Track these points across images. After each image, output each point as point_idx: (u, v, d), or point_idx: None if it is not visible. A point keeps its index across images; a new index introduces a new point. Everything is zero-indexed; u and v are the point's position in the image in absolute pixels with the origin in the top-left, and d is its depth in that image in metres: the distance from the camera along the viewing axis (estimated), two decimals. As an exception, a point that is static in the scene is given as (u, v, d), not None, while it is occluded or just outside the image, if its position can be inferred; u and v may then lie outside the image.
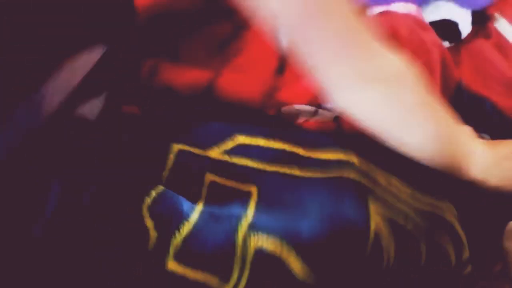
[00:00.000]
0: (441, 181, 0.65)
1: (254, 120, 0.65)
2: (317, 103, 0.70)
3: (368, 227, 0.55)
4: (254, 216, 0.57)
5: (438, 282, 0.58)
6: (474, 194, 0.67)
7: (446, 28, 0.79)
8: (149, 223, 0.56)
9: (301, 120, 0.69)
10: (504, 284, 0.65)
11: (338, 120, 0.68)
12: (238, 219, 0.56)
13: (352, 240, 0.55)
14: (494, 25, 0.73)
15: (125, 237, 0.57)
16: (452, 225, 0.60)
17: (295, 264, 0.54)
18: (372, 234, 0.55)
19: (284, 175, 0.60)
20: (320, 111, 0.70)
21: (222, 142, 0.62)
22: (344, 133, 0.67)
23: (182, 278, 0.55)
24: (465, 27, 0.78)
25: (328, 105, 0.70)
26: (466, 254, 0.61)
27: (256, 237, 0.55)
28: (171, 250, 0.55)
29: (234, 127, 0.63)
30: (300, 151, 0.61)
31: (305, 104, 0.70)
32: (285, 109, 0.70)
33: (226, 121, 0.64)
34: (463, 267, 0.61)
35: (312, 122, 0.68)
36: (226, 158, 0.61)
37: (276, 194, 0.59)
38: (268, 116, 0.69)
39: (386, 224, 0.56)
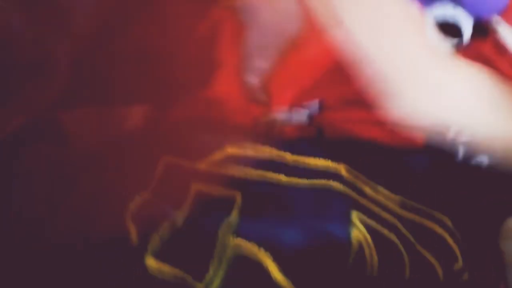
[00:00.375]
0: (434, 189, 0.64)
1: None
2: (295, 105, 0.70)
3: (350, 239, 0.54)
4: (237, 221, 0.57)
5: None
6: (470, 197, 0.66)
7: (449, 29, 0.77)
8: (132, 228, 0.57)
9: (278, 125, 0.69)
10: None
11: (319, 126, 0.67)
12: (221, 221, 0.56)
13: (334, 251, 0.54)
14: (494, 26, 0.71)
15: (107, 240, 0.58)
16: (442, 236, 0.59)
17: (275, 272, 0.54)
18: (355, 246, 0.54)
19: (270, 181, 0.59)
20: (295, 111, 0.69)
21: (211, 154, 0.62)
22: (326, 140, 0.66)
23: (158, 273, 0.55)
24: (467, 29, 0.76)
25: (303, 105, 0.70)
26: (458, 265, 0.59)
27: (236, 239, 0.55)
28: (150, 248, 0.56)
29: (223, 138, 0.63)
30: (287, 155, 0.61)
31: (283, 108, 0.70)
32: (262, 119, 0.70)
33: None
34: (456, 277, 0.59)
35: (292, 129, 0.67)
36: (213, 169, 0.61)
37: (260, 200, 0.59)
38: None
39: (370, 236, 0.55)
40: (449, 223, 0.60)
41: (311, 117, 0.69)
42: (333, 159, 0.60)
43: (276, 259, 0.54)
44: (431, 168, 0.64)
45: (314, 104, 0.71)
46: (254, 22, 0.73)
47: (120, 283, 0.56)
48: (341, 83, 0.71)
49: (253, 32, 0.73)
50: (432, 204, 0.61)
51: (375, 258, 0.55)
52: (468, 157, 0.66)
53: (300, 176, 0.59)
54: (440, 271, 0.57)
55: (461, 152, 0.66)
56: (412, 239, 0.57)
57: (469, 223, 0.65)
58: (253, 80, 0.71)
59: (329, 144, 0.64)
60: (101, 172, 0.61)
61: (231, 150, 0.61)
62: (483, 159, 0.67)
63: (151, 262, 0.55)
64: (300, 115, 0.69)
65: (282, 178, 0.59)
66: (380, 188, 0.61)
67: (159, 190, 0.59)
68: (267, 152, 0.61)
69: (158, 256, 0.55)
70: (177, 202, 0.58)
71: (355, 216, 0.57)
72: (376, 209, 0.59)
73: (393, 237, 0.56)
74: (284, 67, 0.71)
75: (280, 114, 0.70)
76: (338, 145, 0.65)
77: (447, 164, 0.66)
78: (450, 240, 0.59)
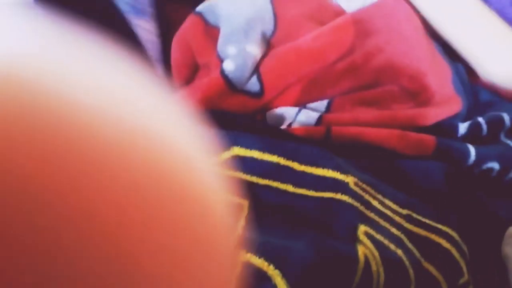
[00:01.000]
0: (443, 201, 0.63)
1: (248, 128, 0.65)
2: (301, 104, 0.71)
3: (357, 254, 0.54)
4: (244, 232, 0.56)
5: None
6: (477, 205, 0.66)
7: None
8: None
9: (286, 123, 0.69)
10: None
11: (328, 127, 0.67)
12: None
13: (341, 267, 0.54)
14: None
15: None
16: (448, 251, 0.59)
17: (281, 286, 0.54)
18: (362, 261, 0.54)
19: (277, 190, 0.59)
20: (304, 110, 0.70)
21: (219, 152, 0.61)
22: (333, 141, 0.66)
23: None
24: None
25: (312, 105, 0.71)
26: (464, 279, 0.59)
27: (245, 255, 0.55)
28: None
29: (231, 136, 0.62)
30: (295, 165, 0.60)
31: (289, 106, 0.70)
32: (270, 113, 0.70)
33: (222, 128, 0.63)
34: None
35: (301, 128, 0.67)
36: (220, 170, 0.60)
37: (267, 210, 0.58)
38: (259, 123, 0.70)
39: (377, 250, 0.55)
40: (456, 236, 0.60)
41: (320, 117, 0.69)
42: (341, 168, 0.60)
43: (285, 276, 0.53)
44: (440, 178, 0.64)
45: (322, 104, 0.72)
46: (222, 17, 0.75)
47: None
48: (351, 79, 0.71)
49: (222, 24, 0.75)
50: (439, 217, 0.61)
51: (382, 274, 0.54)
52: (479, 162, 0.66)
53: (307, 187, 0.59)
54: (445, 286, 0.57)
55: (472, 156, 0.66)
56: (418, 254, 0.57)
57: (473, 229, 0.65)
58: (228, 66, 0.71)
59: (337, 149, 0.64)
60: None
61: (238, 151, 0.61)
62: (494, 165, 0.66)
63: None
64: (309, 116, 0.69)
65: (289, 188, 0.59)
66: (388, 202, 0.60)
67: None
68: (274, 158, 0.60)
69: None
70: None
71: (362, 230, 0.56)
72: (383, 223, 0.58)
73: (399, 252, 0.56)
74: (277, 59, 0.71)
75: (288, 110, 0.70)
76: (346, 150, 0.65)
77: (458, 172, 0.66)
78: (456, 255, 0.59)
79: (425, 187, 0.64)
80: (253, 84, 0.70)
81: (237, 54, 0.71)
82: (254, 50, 0.71)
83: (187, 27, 0.78)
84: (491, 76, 0.76)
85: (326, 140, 0.67)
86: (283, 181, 0.59)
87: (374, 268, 0.54)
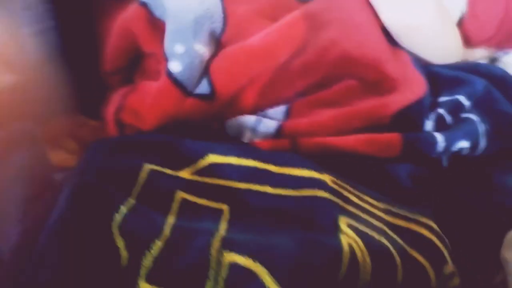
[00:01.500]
0: (418, 195, 0.64)
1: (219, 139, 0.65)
2: (260, 109, 0.69)
3: (340, 244, 0.54)
4: (227, 234, 0.55)
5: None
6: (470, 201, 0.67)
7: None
8: (119, 242, 0.55)
9: (247, 134, 0.68)
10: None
11: (294, 140, 0.67)
12: (210, 235, 0.55)
13: (326, 257, 0.54)
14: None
15: (95, 259, 0.55)
16: (430, 239, 0.59)
17: (271, 285, 0.53)
18: (346, 250, 0.54)
19: (257, 192, 0.59)
20: (263, 120, 0.69)
21: (194, 162, 0.61)
22: (301, 153, 0.66)
23: None
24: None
25: (270, 112, 0.69)
26: (448, 268, 0.59)
27: (229, 255, 0.54)
28: (142, 271, 0.54)
29: (206, 146, 0.62)
30: (272, 167, 0.61)
31: (247, 112, 0.69)
32: (229, 123, 0.69)
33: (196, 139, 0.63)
34: (446, 282, 0.59)
35: (265, 143, 0.67)
36: (197, 178, 0.60)
37: (248, 212, 0.58)
38: (227, 136, 0.69)
39: (361, 239, 0.55)
40: (435, 226, 0.60)
41: (279, 127, 0.68)
42: (316, 168, 0.60)
43: (272, 272, 0.53)
44: (413, 174, 0.65)
45: (281, 110, 0.70)
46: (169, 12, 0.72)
47: None
48: (307, 77, 0.70)
49: (168, 19, 0.71)
50: (417, 210, 0.61)
51: (368, 262, 0.54)
52: (448, 146, 0.67)
53: (286, 187, 0.59)
54: (432, 273, 0.57)
55: (441, 142, 0.67)
56: (401, 241, 0.57)
57: (470, 229, 0.65)
58: (175, 67, 0.68)
59: (308, 157, 0.64)
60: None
61: (215, 158, 0.61)
62: (463, 143, 0.67)
63: (145, 287, 0.53)
64: (269, 126, 0.68)
65: (269, 190, 0.59)
66: (365, 197, 0.61)
67: (142, 198, 0.57)
68: (251, 163, 0.60)
69: (151, 278, 0.53)
70: (163, 210, 0.57)
71: (344, 221, 0.57)
72: (364, 216, 0.59)
73: (383, 240, 0.56)
74: (226, 59, 0.69)
75: (246, 120, 0.68)
76: (317, 158, 0.65)
77: (429, 166, 0.67)
78: (439, 244, 0.59)
79: (400, 186, 0.65)
80: (204, 87, 0.68)
81: (184, 54, 0.68)
82: (203, 49, 0.69)
83: (130, 16, 0.74)
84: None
85: (295, 152, 0.67)
86: (262, 183, 0.59)
87: (359, 256, 0.54)
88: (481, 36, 0.83)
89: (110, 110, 0.73)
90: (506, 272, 0.63)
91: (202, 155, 0.61)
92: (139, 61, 0.77)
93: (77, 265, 0.56)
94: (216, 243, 0.54)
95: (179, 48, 0.69)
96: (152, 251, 0.55)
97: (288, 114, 0.70)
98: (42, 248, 0.56)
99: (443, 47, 0.81)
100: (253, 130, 0.68)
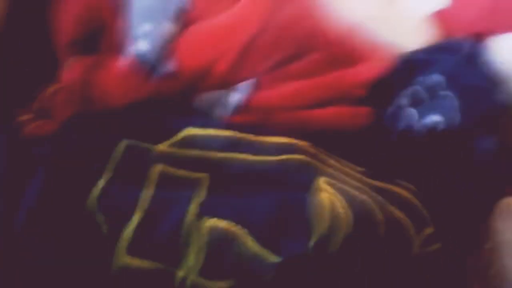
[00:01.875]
0: (394, 161, 0.65)
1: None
2: (229, 84, 0.69)
3: (320, 199, 0.54)
4: (206, 200, 0.56)
5: (398, 255, 0.56)
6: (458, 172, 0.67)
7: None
8: (99, 217, 0.55)
9: (218, 108, 0.68)
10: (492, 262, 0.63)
11: (265, 115, 0.67)
12: (189, 202, 0.55)
13: (305, 214, 0.54)
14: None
15: (77, 235, 0.55)
16: (410, 199, 0.59)
17: (253, 245, 0.53)
18: (327, 205, 0.54)
19: (236, 160, 0.59)
20: (232, 93, 0.69)
21: (172, 136, 0.62)
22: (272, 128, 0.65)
23: (136, 270, 0.53)
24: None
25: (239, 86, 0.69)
26: (429, 230, 0.59)
27: (210, 220, 0.54)
28: (123, 243, 0.54)
29: (184, 120, 0.62)
30: (250, 136, 0.61)
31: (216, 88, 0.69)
32: (199, 97, 0.69)
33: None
34: (427, 244, 0.59)
35: (239, 117, 0.67)
36: (176, 150, 0.60)
37: (227, 179, 0.58)
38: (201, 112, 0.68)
39: (341, 196, 0.55)
40: (415, 189, 0.61)
41: (247, 99, 0.68)
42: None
43: (251, 232, 0.53)
44: (385, 143, 0.66)
45: (249, 84, 0.70)
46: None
47: (96, 279, 0.54)
48: (275, 53, 0.71)
49: None
50: (395, 174, 0.62)
51: (350, 216, 0.54)
52: (420, 119, 0.68)
53: (265, 154, 0.60)
54: (412, 231, 0.57)
55: (414, 115, 0.68)
56: (382, 199, 0.57)
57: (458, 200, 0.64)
58: (143, 46, 0.68)
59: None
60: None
61: (192, 131, 0.61)
62: (437, 118, 0.68)
63: (127, 259, 0.53)
64: (237, 99, 0.68)
65: (248, 157, 0.59)
66: (343, 161, 0.62)
67: (120, 172, 0.57)
68: (230, 133, 0.61)
69: (132, 250, 0.54)
70: (141, 183, 0.57)
71: (323, 180, 0.57)
72: (343, 176, 0.59)
73: (365, 196, 0.56)
74: (193, 36, 0.70)
75: (216, 93, 0.69)
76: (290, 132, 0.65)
77: (401, 139, 0.67)
78: (418, 204, 0.59)
79: (374, 154, 0.65)
80: (170, 64, 0.68)
81: (152, 32, 0.69)
82: (171, 27, 0.69)
83: None
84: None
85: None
86: (241, 151, 0.60)
87: (341, 210, 0.54)
88: (462, 22, 0.82)
89: (72, 76, 0.71)
90: (496, 240, 0.63)
91: (180, 128, 0.61)
92: (98, 35, 0.75)
93: (57, 244, 0.55)
94: (194, 209, 0.55)
95: (147, 27, 0.69)
96: (132, 221, 0.55)
97: (256, 87, 0.70)
98: (20, 227, 0.56)
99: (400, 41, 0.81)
100: (223, 104, 0.68)
